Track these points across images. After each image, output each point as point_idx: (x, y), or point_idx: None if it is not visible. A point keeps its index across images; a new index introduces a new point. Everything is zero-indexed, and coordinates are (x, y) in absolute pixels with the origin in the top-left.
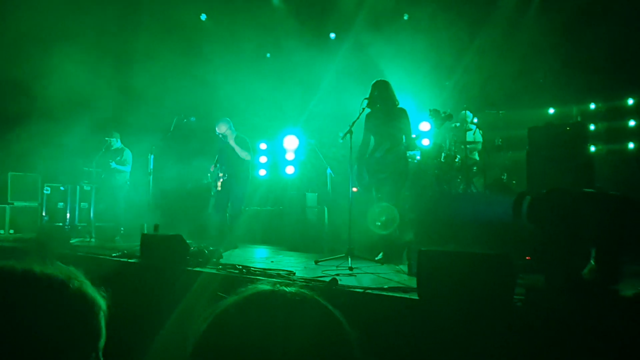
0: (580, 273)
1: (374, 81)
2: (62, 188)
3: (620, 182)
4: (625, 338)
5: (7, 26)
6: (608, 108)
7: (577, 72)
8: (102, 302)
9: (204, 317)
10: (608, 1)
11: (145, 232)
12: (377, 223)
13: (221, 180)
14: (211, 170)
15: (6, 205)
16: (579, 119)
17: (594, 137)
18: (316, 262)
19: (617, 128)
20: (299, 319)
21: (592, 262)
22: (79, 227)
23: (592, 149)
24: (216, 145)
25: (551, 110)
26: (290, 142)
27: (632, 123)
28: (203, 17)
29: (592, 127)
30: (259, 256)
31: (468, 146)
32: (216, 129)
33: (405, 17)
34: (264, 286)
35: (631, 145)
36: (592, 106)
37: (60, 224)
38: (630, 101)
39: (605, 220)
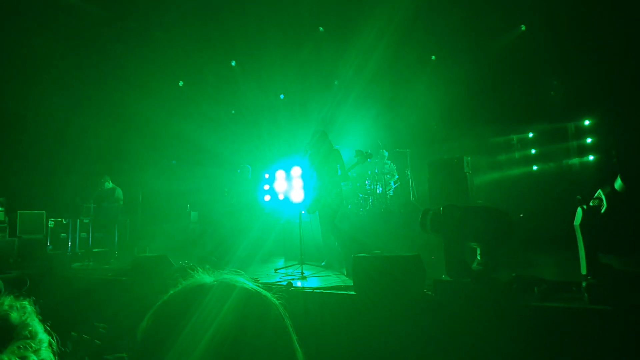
0: (470, 266)
1: (314, 130)
2: (64, 221)
3: (494, 197)
4: (503, 309)
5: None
6: (481, 146)
7: (459, 120)
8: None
9: (152, 307)
10: (477, 74)
11: (136, 254)
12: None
13: None
14: None
15: (15, 238)
16: (462, 153)
17: (473, 167)
18: (275, 270)
19: (487, 160)
20: (229, 303)
21: (478, 257)
22: (79, 254)
23: (473, 174)
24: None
25: (443, 148)
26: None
27: (499, 156)
28: (180, 83)
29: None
30: (231, 267)
31: (385, 176)
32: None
33: (336, 83)
34: (206, 277)
35: (499, 171)
36: (471, 144)
37: (63, 251)
38: (497, 140)
39: (485, 225)
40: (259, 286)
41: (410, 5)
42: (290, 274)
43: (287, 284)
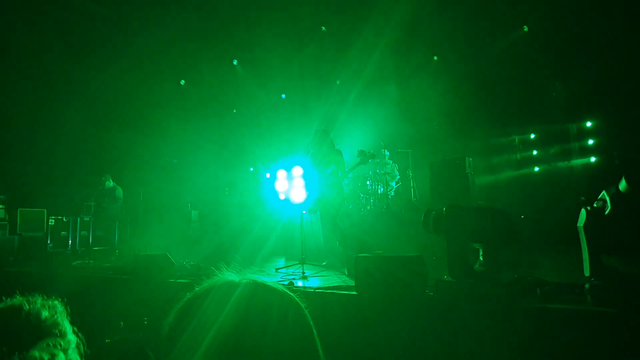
0: (472, 267)
1: (316, 129)
2: (64, 219)
3: (496, 198)
4: (505, 310)
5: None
6: (483, 146)
7: (461, 121)
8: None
9: (179, 302)
10: (478, 75)
11: (137, 252)
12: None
13: None
14: None
15: (15, 236)
16: (464, 154)
17: (475, 167)
18: (276, 270)
19: (489, 160)
20: (260, 301)
21: (480, 258)
22: (80, 252)
23: (474, 175)
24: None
25: (444, 149)
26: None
27: (500, 156)
28: (182, 82)
29: (472, 160)
30: (232, 267)
31: (387, 176)
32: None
33: (338, 82)
34: (232, 276)
35: (501, 172)
36: (472, 145)
37: (63, 249)
38: (499, 141)
39: (488, 226)
40: (283, 286)
41: (412, 5)
42: (291, 273)
43: (288, 283)
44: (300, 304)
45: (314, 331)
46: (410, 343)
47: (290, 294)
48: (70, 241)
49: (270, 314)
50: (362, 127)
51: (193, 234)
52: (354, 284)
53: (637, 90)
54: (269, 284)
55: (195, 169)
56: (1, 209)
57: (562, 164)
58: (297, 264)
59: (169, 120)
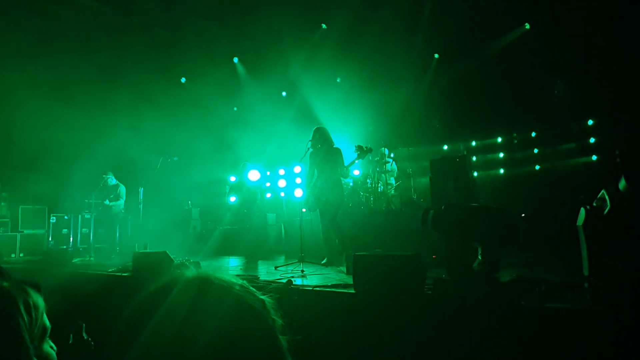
0: (471, 266)
1: (315, 127)
2: (66, 217)
3: (496, 197)
4: (503, 309)
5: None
6: (484, 144)
7: (462, 119)
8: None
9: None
10: (480, 73)
11: (137, 250)
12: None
13: None
14: None
15: (17, 233)
16: (464, 152)
17: (476, 166)
18: (276, 268)
19: (490, 159)
20: (205, 299)
21: (479, 257)
22: (81, 249)
23: (475, 174)
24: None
25: (445, 147)
26: (253, 175)
27: (501, 155)
28: (183, 80)
29: (474, 158)
30: (231, 265)
31: (387, 174)
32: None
33: (338, 80)
34: (188, 272)
35: (501, 170)
36: (473, 143)
37: (64, 247)
38: (499, 139)
39: (487, 225)
40: (243, 285)
41: (414, 3)
42: (290, 271)
43: (287, 281)
44: (257, 301)
45: (276, 331)
46: (408, 342)
47: (247, 290)
48: (71, 238)
49: (215, 312)
50: (363, 125)
51: (193, 231)
52: (352, 282)
53: (639, 89)
54: (220, 279)
55: (195, 167)
56: (3, 206)
57: (563, 163)
58: (296, 262)
59: (170, 117)
